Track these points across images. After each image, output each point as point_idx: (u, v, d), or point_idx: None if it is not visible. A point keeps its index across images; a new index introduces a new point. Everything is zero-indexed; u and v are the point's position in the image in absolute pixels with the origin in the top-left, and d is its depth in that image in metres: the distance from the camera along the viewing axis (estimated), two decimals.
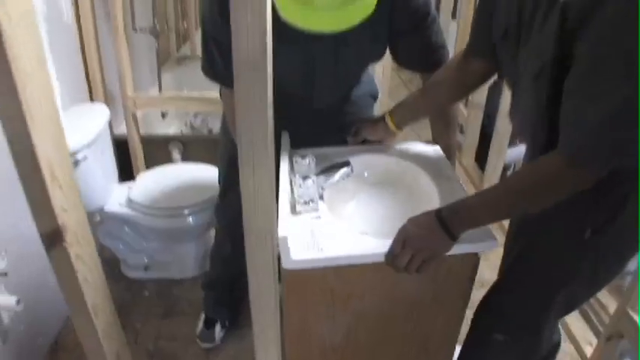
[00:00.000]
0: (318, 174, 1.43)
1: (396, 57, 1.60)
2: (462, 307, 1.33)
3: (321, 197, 1.36)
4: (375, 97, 1.82)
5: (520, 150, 3.11)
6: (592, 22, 0.91)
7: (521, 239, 1.35)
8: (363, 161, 1.55)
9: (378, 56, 1.61)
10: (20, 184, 1.74)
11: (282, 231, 1.13)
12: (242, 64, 0.68)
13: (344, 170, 1.44)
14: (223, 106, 1.69)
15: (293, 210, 1.31)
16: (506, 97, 2.69)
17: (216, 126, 3.19)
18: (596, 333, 2.10)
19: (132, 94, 2.61)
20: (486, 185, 3.15)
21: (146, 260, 2.41)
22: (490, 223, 1.21)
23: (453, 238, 1.14)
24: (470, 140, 3.51)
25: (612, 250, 1.25)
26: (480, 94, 3.13)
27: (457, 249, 1.17)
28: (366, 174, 1.54)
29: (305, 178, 1.37)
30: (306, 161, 1.44)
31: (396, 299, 1.29)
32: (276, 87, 0.82)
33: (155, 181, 2.42)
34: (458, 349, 1.62)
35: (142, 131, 2.76)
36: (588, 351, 2.03)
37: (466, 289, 1.30)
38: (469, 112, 3.43)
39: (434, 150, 1.62)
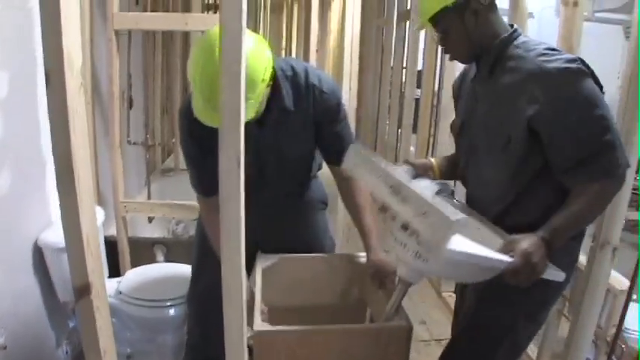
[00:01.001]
0: None
1: (320, 151, 1.92)
2: None
3: None
4: (325, 204, 2.12)
5: None
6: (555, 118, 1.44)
7: (467, 298, 1.67)
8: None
9: (311, 145, 1.90)
10: (18, 272, 2.02)
11: (454, 215, 1.23)
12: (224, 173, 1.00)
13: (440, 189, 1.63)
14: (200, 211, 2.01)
15: None
16: None
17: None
18: None
19: (123, 199, 2.94)
20: (444, 287, 3.50)
21: (129, 350, 2.62)
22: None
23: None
24: None
25: (539, 302, 1.64)
26: None
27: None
28: None
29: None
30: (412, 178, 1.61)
31: None
32: None
33: (142, 276, 2.68)
34: None
35: (129, 233, 3.07)
36: None
37: (403, 354, 1.56)
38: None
39: None
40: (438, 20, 1.59)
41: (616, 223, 1.90)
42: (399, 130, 4.89)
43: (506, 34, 1.58)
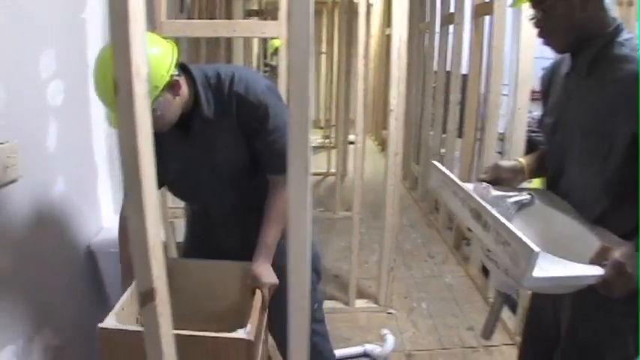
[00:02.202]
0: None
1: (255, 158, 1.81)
2: None
3: None
4: None
5: None
6: None
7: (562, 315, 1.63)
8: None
9: (246, 154, 1.78)
10: (72, 276, 2.05)
11: (535, 247, 1.15)
12: None
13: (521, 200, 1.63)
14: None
15: None
16: None
17: None
18: None
19: (171, 204, 2.98)
20: (491, 292, 3.42)
21: None
22: None
23: None
24: (475, 252, 3.80)
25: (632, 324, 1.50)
26: None
27: None
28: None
29: (496, 206, 1.48)
30: (493, 193, 1.61)
31: None
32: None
33: None
34: None
35: (177, 239, 3.09)
36: None
37: None
38: None
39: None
40: None
41: None
42: (443, 135, 4.84)
43: (610, 29, 1.45)
